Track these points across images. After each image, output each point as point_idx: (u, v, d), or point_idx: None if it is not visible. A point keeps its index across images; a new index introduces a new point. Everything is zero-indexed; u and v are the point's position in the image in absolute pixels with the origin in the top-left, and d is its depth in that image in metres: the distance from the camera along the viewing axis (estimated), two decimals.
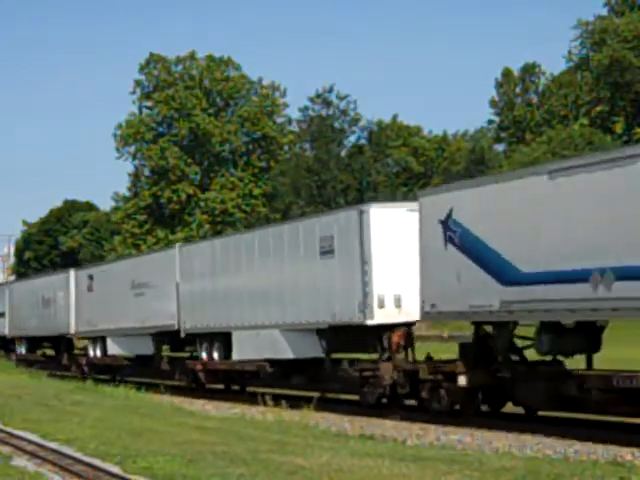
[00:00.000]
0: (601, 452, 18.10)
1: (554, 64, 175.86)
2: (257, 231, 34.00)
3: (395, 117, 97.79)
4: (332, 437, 21.23)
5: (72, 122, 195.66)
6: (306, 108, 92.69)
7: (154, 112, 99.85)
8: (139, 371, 40.54)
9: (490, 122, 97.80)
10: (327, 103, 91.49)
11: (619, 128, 77.93)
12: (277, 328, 28.91)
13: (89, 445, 19.66)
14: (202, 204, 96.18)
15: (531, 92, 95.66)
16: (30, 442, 21.11)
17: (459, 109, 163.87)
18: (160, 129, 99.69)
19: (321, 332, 27.52)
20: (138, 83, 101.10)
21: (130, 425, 23.64)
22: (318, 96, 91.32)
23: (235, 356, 31.25)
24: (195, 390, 34.47)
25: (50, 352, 51.89)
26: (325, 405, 27.75)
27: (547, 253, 20.33)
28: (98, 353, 42.59)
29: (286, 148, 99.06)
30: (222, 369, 33.14)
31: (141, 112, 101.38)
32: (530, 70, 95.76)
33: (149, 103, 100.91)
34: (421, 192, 27.99)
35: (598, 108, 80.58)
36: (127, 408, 29.00)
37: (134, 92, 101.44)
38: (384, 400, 25.64)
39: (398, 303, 25.17)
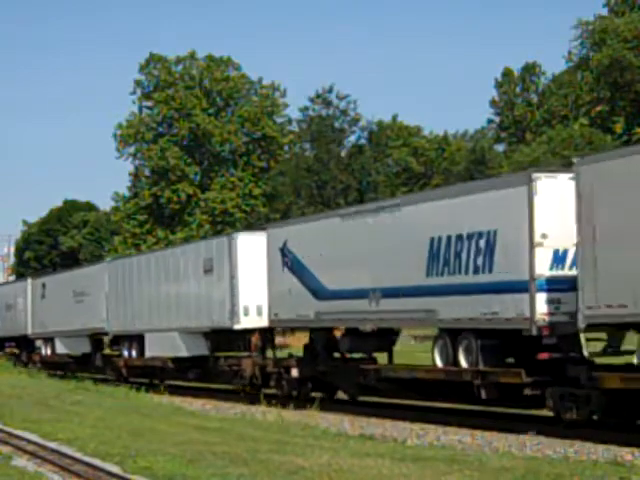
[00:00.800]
0: (601, 452, 18.11)
1: (554, 64, 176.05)
2: (161, 252, 42.40)
3: (395, 117, 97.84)
4: (332, 437, 21.23)
5: (72, 122, 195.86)
6: (306, 108, 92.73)
7: (154, 112, 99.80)
8: (80, 367, 46.69)
9: (490, 122, 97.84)
10: (327, 103, 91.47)
11: (619, 128, 77.89)
12: (176, 331, 35.41)
13: (89, 445, 19.66)
14: (202, 204, 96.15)
15: (531, 92, 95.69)
16: (30, 442, 21.13)
17: (459, 109, 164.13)
18: (160, 129, 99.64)
19: (206, 335, 34.08)
20: (138, 83, 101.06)
21: (130, 425, 23.65)
22: (318, 96, 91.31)
23: (147, 354, 37.81)
24: (119, 382, 39.51)
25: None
26: (325, 405, 27.78)
27: (341, 276, 27.33)
28: (49, 351, 49.10)
29: (286, 148, 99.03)
30: (138, 365, 39.54)
31: (141, 112, 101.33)
32: (530, 70, 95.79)
33: (149, 103, 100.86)
34: (268, 225, 36.06)
35: (598, 108, 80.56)
36: (127, 408, 29.01)
37: (134, 92, 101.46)
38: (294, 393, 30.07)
39: (260, 311, 31.39)
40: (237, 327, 31.79)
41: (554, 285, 20.73)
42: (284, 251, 29.78)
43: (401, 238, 24.88)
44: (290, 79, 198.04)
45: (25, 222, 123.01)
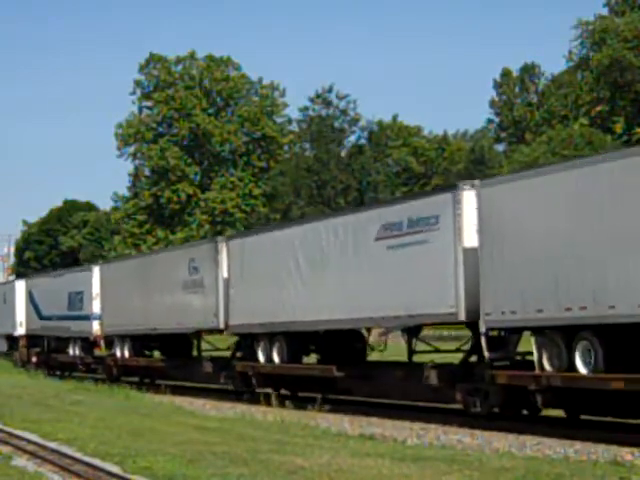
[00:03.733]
0: (601, 452, 18.09)
1: (554, 64, 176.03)
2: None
3: (395, 117, 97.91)
4: (332, 437, 21.22)
5: (72, 122, 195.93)
6: (306, 108, 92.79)
7: (154, 112, 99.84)
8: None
9: (490, 122, 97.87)
10: (327, 103, 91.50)
11: (619, 128, 77.90)
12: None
13: (89, 445, 19.65)
14: (202, 204, 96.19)
15: (531, 92, 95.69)
16: (30, 442, 21.11)
17: (459, 109, 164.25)
18: (160, 129, 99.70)
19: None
20: (138, 83, 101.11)
21: (130, 425, 23.64)
22: (318, 96, 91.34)
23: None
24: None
25: None
26: (325, 405, 27.75)
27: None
28: None
29: (286, 148, 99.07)
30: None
31: (141, 112, 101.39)
32: (529, 70, 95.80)
33: (149, 103, 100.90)
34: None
35: (598, 108, 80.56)
36: (127, 408, 29.00)
37: (134, 92, 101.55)
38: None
39: (21, 324, 53.49)
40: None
41: None
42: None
43: None
44: (290, 79, 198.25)
45: (25, 222, 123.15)
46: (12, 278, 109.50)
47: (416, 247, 23.30)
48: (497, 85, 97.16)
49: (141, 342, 38.68)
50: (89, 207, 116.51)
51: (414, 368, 24.83)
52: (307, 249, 27.68)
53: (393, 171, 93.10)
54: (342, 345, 28.38)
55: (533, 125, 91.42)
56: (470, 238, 22.09)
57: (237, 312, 30.99)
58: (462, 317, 22.29)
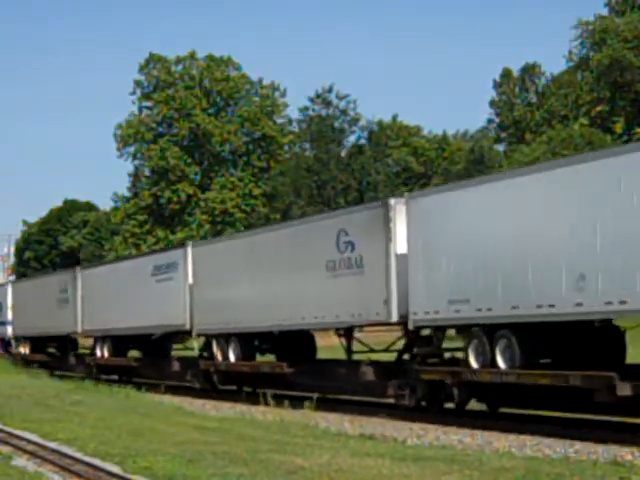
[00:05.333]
0: (601, 452, 18.10)
1: (554, 64, 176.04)
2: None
3: (395, 117, 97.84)
4: (332, 437, 21.22)
5: (72, 122, 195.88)
6: (306, 108, 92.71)
7: (154, 112, 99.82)
8: None
9: (490, 121, 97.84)
10: (327, 103, 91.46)
11: (619, 128, 77.88)
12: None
13: (89, 445, 19.66)
14: (202, 204, 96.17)
15: (531, 92, 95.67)
16: (30, 442, 21.12)
17: (459, 109, 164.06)
18: (160, 129, 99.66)
19: None
20: (138, 83, 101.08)
21: (130, 425, 23.65)
22: (318, 96, 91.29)
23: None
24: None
25: None
26: (325, 405, 27.78)
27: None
28: None
29: (286, 148, 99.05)
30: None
31: (141, 112, 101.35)
32: (530, 70, 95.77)
33: (149, 103, 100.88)
34: None
35: (598, 108, 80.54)
36: (127, 408, 29.01)
37: (134, 92, 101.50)
38: None
39: None
40: None
41: None
42: None
43: None
44: (290, 79, 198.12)
45: (25, 222, 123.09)
46: (12, 278, 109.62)
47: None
48: (497, 85, 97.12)
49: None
50: (89, 207, 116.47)
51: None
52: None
53: (393, 171, 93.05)
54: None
55: (533, 125, 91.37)
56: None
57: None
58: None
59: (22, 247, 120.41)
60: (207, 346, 34.20)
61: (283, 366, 29.62)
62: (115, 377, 42.30)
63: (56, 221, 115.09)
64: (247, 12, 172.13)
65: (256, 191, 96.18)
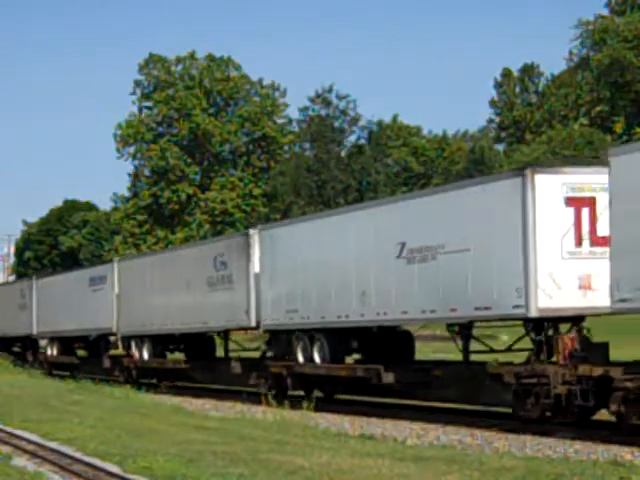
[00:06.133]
0: (601, 452, 18.09)
1: (554, 64, 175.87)
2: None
3: (395, 117, 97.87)
4: (332, 437, 21.22)
5: (72, 122, 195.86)
6: (306, 108, 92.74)
7: (154, 112, 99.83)
8: None
9: (490, 121, 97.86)
10: (327, 103, 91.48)
11: (619, 128, 77.91)
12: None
13: (89, 445, 19.65)
14: (202, 204, 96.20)
15: (531, 92, 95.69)
16: (30, 442, 21.11)
17: (459, 109, 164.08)
18: (160, 129, 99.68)
19: None
20: (138, 83, 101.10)
21: (130, 425, 23.65)
22: (318, 96, 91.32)
23: None
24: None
25: None
26: (325, 405, 27.79)
27: None
28: None
29: (286, 148, 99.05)
30: None
31: (141, 112, 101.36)
32: (530, 70, 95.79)
33: (149, 103, 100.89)
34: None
35: (598, 108, 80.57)
36: (127, 408, 29.01)
37: (134, 92, 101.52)
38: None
39: None
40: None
41: None
42: None
43: None
44: (290, 79, 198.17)
45: (25, 222, 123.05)
46: (12, 278, 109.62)
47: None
48: (497, 85, 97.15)
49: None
50: (89, 207, 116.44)
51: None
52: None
53: (393, 171, 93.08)
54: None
55: (533, 125, 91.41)
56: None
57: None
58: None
59: (22, 247, 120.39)
60: (127, 346, 39.89)
61: (182, 362, 36.82)
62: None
63: (56, 221, 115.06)
64: (247, 12, 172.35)
65: (256, 191, 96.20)
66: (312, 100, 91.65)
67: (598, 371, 19.49)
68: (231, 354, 34.08)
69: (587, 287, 20.79)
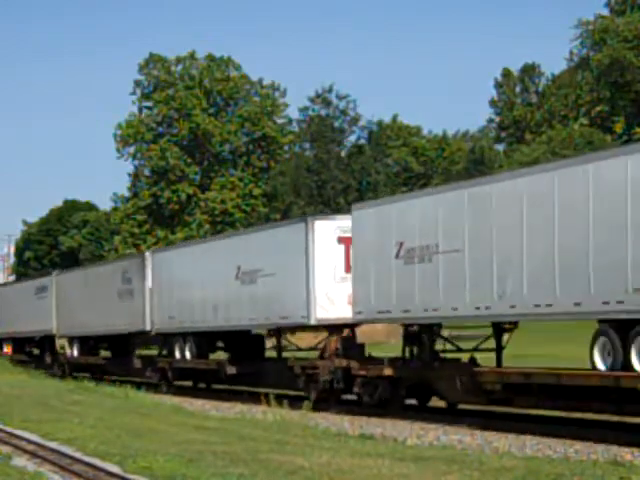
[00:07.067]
0: (601, 452, 18.10)
1: (554, 64, 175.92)
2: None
3: (395, 117, 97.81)
4: (332, 437, 21.22)
5: (72, 122, 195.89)
6: (306, 108, 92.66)
7: (154, 112, 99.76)
8: None
9: (490, 121, 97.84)
10: (327, 103, 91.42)
11: (619, 128, 77.89)
12: None
13: (89, 445, 19.65)
14: (202, 204, 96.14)
15: (531, 92, 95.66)
16: (30, 442, 21.11)
17: (459, 109, 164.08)
18: (160, 129, 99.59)
19: None
20: (138, 83, 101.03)
21: (130, 425, 23.65)
22: (318, 96, 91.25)
23: None
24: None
25: None
26: (325, 405, 27.78)
27: None
28: None
29: (286, 148, 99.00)
30: None
31: (141, 112, 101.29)
32: (530, 70, 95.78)
33: (149, 103, 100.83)
34: None
35: (598, 108, 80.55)
36: (127, 408, 29.02)
37: (134, 92, 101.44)
38: None
39: None
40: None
41: None
42: None
43: None
44: (290, 79, 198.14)
45: (25, 222, 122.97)
46: (12, 278, 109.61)
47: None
48: (497, 85, 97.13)
49: None
50: (89, 207, 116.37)
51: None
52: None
53: (393, 171, 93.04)
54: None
55: (533, 125, 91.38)
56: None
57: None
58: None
59: (22, 247, 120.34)
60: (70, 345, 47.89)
61: (99, 359, 45.57)
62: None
63: (56, 221, 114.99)
64: (247, 12, 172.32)
65: (256, 191, 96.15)
66: (312, 100, 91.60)
67: (343, 363, 27.64)
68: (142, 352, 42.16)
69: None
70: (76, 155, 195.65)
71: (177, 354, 36.07)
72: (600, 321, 19.81)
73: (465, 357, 25.13)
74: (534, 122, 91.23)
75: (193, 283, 35.04)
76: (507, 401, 23.14)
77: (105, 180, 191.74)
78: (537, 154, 70.99)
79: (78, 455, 18.59)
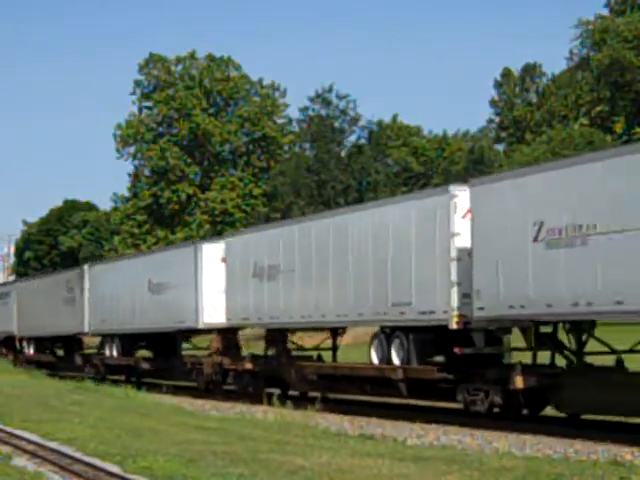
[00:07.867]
0: (601, 452, 18.09)
1: (554, 64, 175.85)
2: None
3: (395, 117, 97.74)
4: (332, 437, 21.22)
5: (72, 122, 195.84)
6: (306, 108, 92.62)
7: (154, 112, 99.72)
8: None
9: (490, 121, 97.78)
10: (327, 103, 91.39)
11: (619, 128, 77.81)
12: None
13: (89, 445, 19.65)
14: (202, 204, 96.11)
15: (531, 92, 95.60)
16: (30, 442, 21.11)
17: (459, 109, 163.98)
18: (160, 129, 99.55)
19: None
20: (138, 83, 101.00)
21: (130, 425, 23.65)
22: (318, 96, 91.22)
23: None
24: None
25: None
26: (325, 405, 27.78)
27: None
28: None
29: (286, 148, 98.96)
30: None
31: (141, 112, 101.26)
32: (530, 70, 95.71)
33: (149, 103, 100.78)
34: None
35: (598, 108, 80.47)
36: (127, 408, 29.02)
37: (134, 92, 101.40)
38: None
39: None
40: None
41: None
42: None
43: None
44: (290, 79, 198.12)
45: (25, 222, 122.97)
46: (12, 278, 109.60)
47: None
48: (497, 85, 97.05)
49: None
50: (89, 207, 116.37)
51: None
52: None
53: (393, 171, 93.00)
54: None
55: (533, 125, 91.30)
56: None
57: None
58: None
59: (22, 247, 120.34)
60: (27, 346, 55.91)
61: (50, 357, 52.57)
62: None
63: (56, 221, 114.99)
64: (247, 12, 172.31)
65: (256, 191, 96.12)
66: (312, 100, 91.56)
67: (219, 360, 34.39)
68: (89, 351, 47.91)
69: None
70: (76, 155, 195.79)
71: (107, 352, 42.93)
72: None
73: (314, 355, 31.22)
74: (534, 122, 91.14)
75: (118, 292, 42.08)
76: (325, 387, 29.66)
77: (105, 180, 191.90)
78: (537, 154, 70.92)
79: (78, 455, 18.59)
